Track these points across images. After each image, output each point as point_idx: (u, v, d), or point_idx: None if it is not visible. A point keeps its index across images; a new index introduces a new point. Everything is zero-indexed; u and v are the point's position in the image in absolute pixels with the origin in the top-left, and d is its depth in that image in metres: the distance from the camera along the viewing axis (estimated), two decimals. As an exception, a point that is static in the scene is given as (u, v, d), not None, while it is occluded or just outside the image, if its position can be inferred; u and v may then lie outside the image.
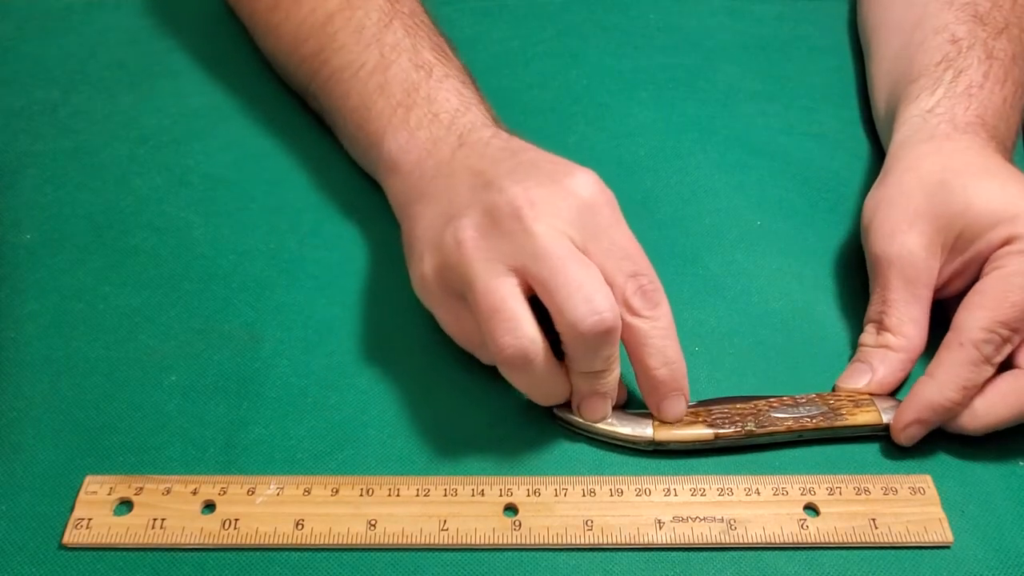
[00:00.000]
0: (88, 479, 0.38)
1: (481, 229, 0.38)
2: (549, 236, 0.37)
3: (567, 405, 0.40)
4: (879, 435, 0.41)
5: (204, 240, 0.48)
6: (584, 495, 0.38)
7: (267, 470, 0.39)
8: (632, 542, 0.37)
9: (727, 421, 0.40)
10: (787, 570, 0.37)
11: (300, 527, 0.37)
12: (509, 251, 0.37)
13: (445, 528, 0.37)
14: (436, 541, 0.37)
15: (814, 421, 0.40)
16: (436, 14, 0.52)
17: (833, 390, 0.42)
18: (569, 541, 0.37)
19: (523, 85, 0.58)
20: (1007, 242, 0.40)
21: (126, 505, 0.37)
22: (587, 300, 0.36)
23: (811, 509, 0.38)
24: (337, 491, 0.38)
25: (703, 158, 0.54)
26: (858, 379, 0.42)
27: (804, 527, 0.37)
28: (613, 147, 0.54)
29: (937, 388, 0.39)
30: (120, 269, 0.46)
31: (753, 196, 0.52)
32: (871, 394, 0.42)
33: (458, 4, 0.63)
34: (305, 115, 0.54)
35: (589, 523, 0.37)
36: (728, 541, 0.37)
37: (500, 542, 0.37)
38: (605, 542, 0.37)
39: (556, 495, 0.38)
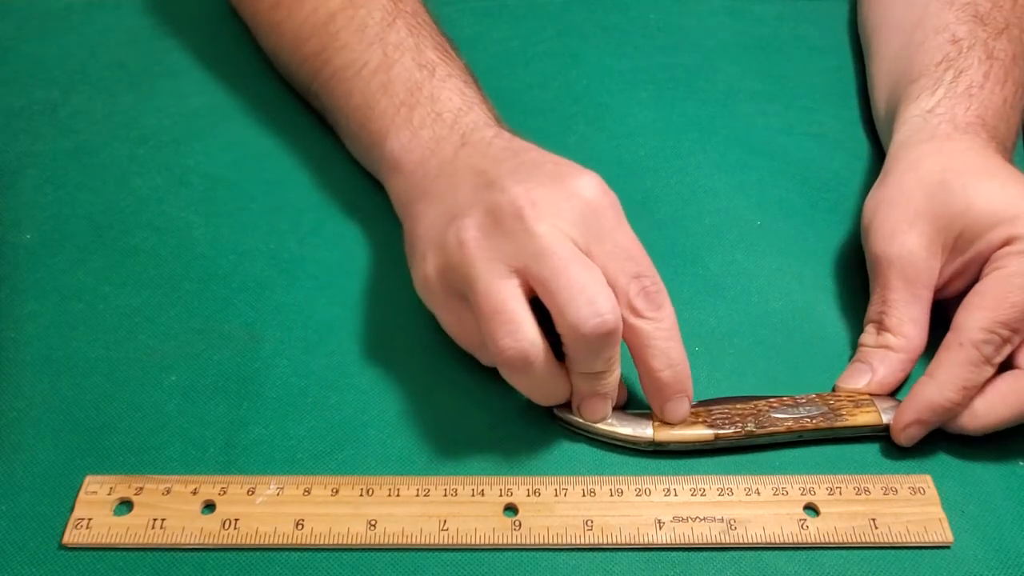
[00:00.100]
0: (88, 479, 0.38)
1: (483, 229, 0.38)
2: (551, 236, 0.37)
3: (567, 405, 0.40)
4: (879, 435, 0.41)
5: (204, 240, 0.48)
6: (584, 495, 0.38)
7: (267, 470, 0.39)
8: (632, 542, 0.37)
9: (727, 422, 0.40)
10: (787, 570, 0.37)
11: (300, 527, 0.37)
12: (511, 251, 0.37)
13: (445, 528, 0.37)
14: (436, 541, 0.37)
15: (814, 421, 0.40)
16: (436, 14, 0.52)
17: (833, 390, 0.42)
18: (569, 541, 0.37)
19: (523, 85, 0.58)
20: (1007, 242, 0.40)
21: (126, 505, 0.37)
22: (589, 302, 0.36)
23: (811, 509, 0.38)
24: (337, 491, 0.38)
25: (703, 158, 0.54)
26: (858, 379, 0.42)
27: (804, 527, 0.37)
28: (613, 147, 0.54)
29: (937, 388, 0.39)
30: (120, 269, 0.46)
31: (753, 196, 0.52)
32: (871, 394, 0.42)
33: (458, 4, 0.63)
34: (305, 115, 0.54)
35: (589, 523, 0.37)
36: (728, 541, 0.37)
37: (500, 542, 0.37)
38: (605, 542, 0.37)
39: (556, 495, 0.38)
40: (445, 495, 0.38)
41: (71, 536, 0.36)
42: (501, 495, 0.38)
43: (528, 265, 0.37)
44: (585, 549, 0.37)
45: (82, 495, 0.37)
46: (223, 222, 0.49)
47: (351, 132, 0.49)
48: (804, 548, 0.37)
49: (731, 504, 0.38)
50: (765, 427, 0.40)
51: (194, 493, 0.37)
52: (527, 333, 0.37)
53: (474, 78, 0.48)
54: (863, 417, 0.41)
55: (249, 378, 0.42)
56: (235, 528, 0.36)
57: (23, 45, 0.59)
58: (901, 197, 0.43)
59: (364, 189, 0.50)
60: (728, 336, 0.45)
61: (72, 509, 0.37)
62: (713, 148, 0.54)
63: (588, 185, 0.39)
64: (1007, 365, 0.40)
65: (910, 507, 0.38)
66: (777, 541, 0.37)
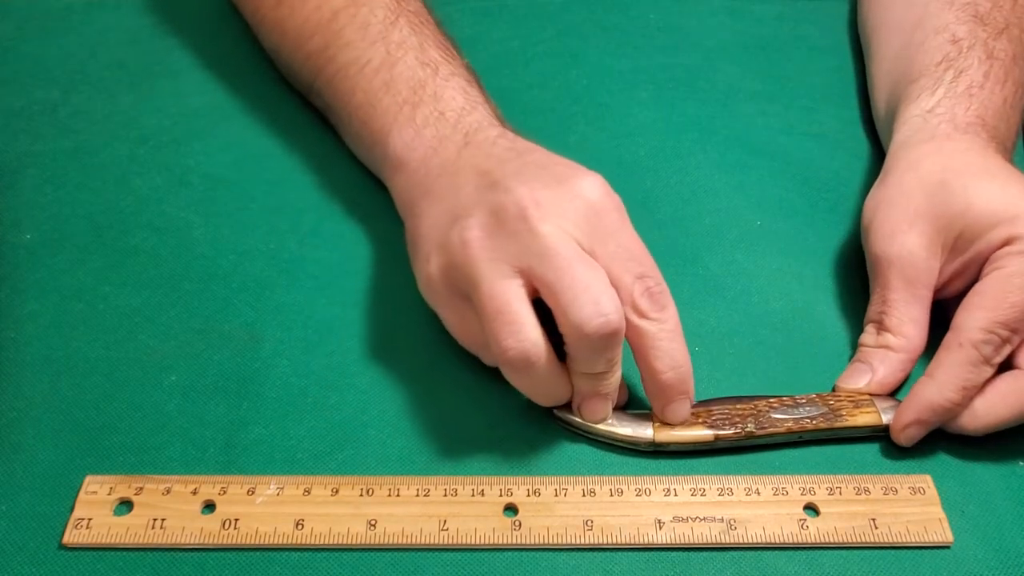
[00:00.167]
0: (88, 479, 0.38)
1: (487, 229, 0.38)
2: (555, 237, 0.37)
3: (567, 406, 0.40)
4: (879, 435, 0.41)
5: (204, 240, 0.48)
6: (584, 495, 0.38)
7: (267, 470, 0.39)
8: (632, 542, 0.37)
9: (727, 422, 0.40)
10: (787, 570, 0.37)
11: (300, 527, 0.37)
12: (515, 251, 0.37)
13: (445, 528, 0.37)
14: (436, 541, 0.37)
15: (814, 422, 0.40)
16: (437, 14, 0.52)
17: (833, 390, 0.42)
18: (569, 541, 0.37)
19: (523, 85, 0.58)
20: (1007, 242, 0.40)
21: (126, 505, 0.37)
22: (593, 301, 0.36)
23: (811, 509, 0.38)
24: (337, 491, 0.38)
25: (703, 158, 0.54)
26: (858, 379, 0.42)
27: (804, 527, 0.37)
28: (613, 147, 0.54)
29: (937, 389, 0.39)
30: (120, 269, 0.46)
31: (753, 196, 0.52)
32: (871, 394, 0.42)
33: (458, 4, 0.63)
34: (305, 114, 0.54)
35: (589, 523, 0.37)
36: (728, 541, 0.37)
37: (500, 542, 0.37)
38: (605, 542, 0.37)
39: (556, 495, 0.38)
40: (445, 495, 0.38)
41: (71, 536, 0.36)
42: (501, 495, 0.38)
43: (532, 265, 0.37)
44: (585, 549, 0.37)
45: (82, 495, 0.37)
46: (223, 222, 0.49)
47: (353, 130, 0.49)
48: (804, 548, 0.37)
49: (731, 504, 0.38)
50: (765, 427, 0.40)
51: (194, 493, 0.37)
52: (530, 333, 0.37)
53: (477, 78, 0.48)
54: (863, 417, 0.41)
55: (249, 378, 0.42)
56: (235, 528, 0.36)
57: (23, 45, 0.59)
58: (901, 197, 0.43)
59: (364, 189, 0.50)
60: (728, 336, 0.45)
61: (72, 509, 0.37)
62: (713, 148, 0.54)
63: (592, 186, 0.39)
64: (1007, 365, 0.40)
65: (910, 507, 0.38)
66: (777, 541, 0.37)
